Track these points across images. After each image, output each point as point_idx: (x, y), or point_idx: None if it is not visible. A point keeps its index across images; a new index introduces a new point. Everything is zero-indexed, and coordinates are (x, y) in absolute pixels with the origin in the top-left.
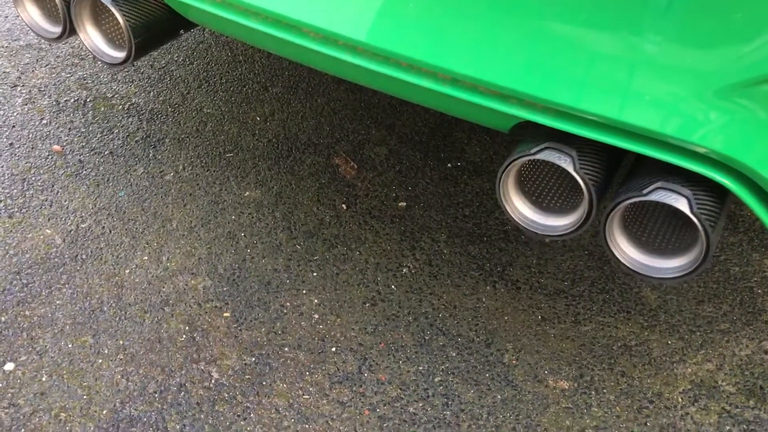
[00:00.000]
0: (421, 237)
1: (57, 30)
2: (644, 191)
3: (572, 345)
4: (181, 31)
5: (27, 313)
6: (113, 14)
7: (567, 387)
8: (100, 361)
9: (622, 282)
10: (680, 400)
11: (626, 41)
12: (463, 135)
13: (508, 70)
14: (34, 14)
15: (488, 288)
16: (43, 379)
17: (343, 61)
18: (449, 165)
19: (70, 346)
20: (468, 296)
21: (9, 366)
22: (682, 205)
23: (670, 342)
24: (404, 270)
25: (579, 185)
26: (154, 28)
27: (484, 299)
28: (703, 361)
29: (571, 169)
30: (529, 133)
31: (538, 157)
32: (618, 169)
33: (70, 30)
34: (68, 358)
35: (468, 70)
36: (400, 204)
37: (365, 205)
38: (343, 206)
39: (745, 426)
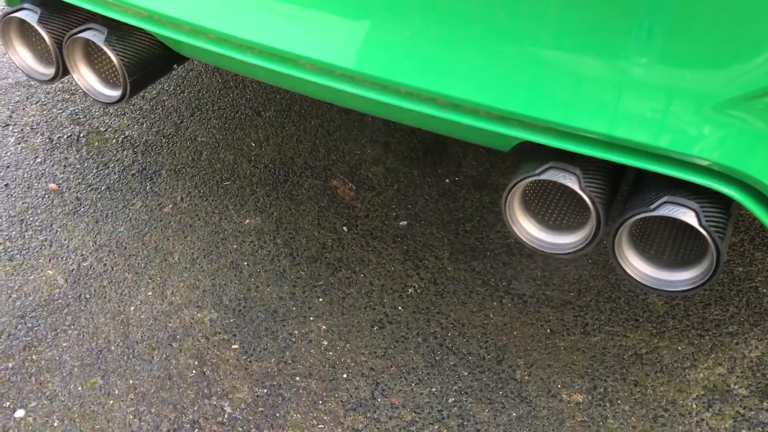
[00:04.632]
0: (425, 255)
1: (50, 72)
2: (651, 206)
3: (583, 357)
4: (175, 66)
5: (34, 357)
6: (106, 54)
7: (581, 400)
8: (111, 402)
9: (628, 290)
10: (694, 406)
11: (625, 61)
12: (459, 149)
13: (508, 93)
14: (25, 57)
15: (495, 303)
16: (55, 424)
17: (341, 90)
18: (447, 180)
19: (79, 388)
20: (475, 313)
21: (20, 413)
22: (690, 218)
23: (680, 348)
24: (410, 290)
25: (585, 202)
26: (149, 65)
27: (491, 315)
28: (714, 365)
29: (576, 188)
30: (531, 152)
31: (542, 177)
32: (622, 184)
33: (63, 71)
34: (79, 401)
35: (467, 94)
36: (401, 223)
37: (366, 226)
38: (344, 228)
39: (760, 429)
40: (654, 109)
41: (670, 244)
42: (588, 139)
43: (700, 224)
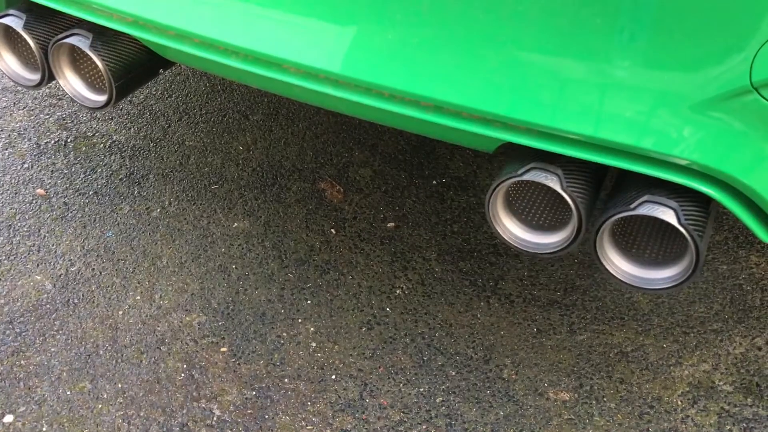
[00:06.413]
0: (412, 257)
1: (36, 77)
2: (632, 205)
3: (569, 355)
4: (161, 70)
5: (22, 362)
6: (92, 59)
7: (568, 398)
8: (100, 406)
9: (613, 289)
10: (680, 403)
11: (605, 63)
12: (446, 151)
13: (490, 95)
14: (11, 63)
15: (482, 303)
16: (44, 429)
17: (326, 93)
18: (434, 182)
19: (68, 393)
20: (463, 313)
21: (8, 418)
22: (670, 216)
23: (665, 345)
24: (398, 291)
25: (567, 202)
26: (134, 70)
27: (479, 315)
28: (699, 362)
29: (558, 188)
30: (514, 152)
31: (524, 178)
32: (603, 183)
33: (48, 76)
34: (67, 406)
35: (450, 97)
36: (388, 225)
37: (354, 229)
38: (332, 231)
39: (745, 424)
40: (633, 110)
41: (651, 242)
42: (569, 140)
43: (679, 222)
